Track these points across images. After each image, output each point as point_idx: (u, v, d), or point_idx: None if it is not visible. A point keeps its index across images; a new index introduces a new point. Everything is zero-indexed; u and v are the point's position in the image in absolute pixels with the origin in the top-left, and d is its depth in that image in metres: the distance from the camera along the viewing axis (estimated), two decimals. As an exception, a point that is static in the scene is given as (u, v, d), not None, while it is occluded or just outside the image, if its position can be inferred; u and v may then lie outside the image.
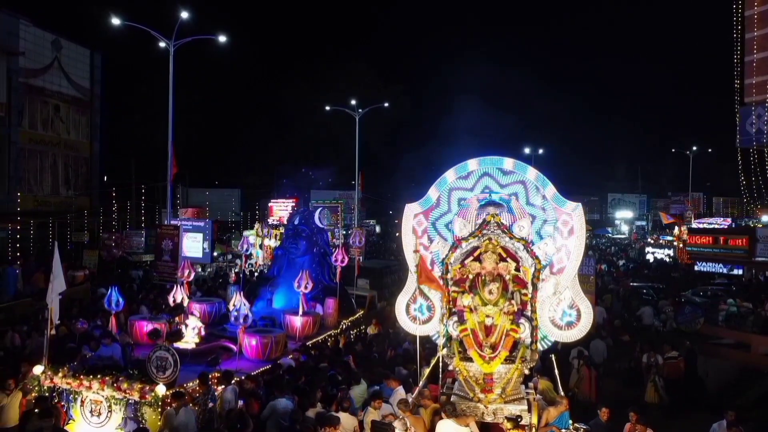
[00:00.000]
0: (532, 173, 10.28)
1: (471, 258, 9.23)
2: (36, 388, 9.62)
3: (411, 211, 10.63)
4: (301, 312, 13.12)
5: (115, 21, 17.01)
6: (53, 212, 32.61)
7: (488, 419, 8.70)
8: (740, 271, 19.83)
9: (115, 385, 9.18)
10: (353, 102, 33.61)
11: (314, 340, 13.30)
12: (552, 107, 53.00)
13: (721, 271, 20.65)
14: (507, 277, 9.07)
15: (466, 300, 9.00)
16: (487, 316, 8.94)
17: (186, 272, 13.48)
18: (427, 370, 11.38)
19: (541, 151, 42.25)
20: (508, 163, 10.36)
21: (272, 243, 27.70)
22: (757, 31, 16.89)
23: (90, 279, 19.06)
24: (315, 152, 48.33)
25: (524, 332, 8.95)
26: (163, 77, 42.54)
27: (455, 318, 9.05)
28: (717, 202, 68.98)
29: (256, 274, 25.42)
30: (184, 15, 16.63)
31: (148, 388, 9.00)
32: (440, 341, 9.53)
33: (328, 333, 14.04)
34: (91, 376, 9.36)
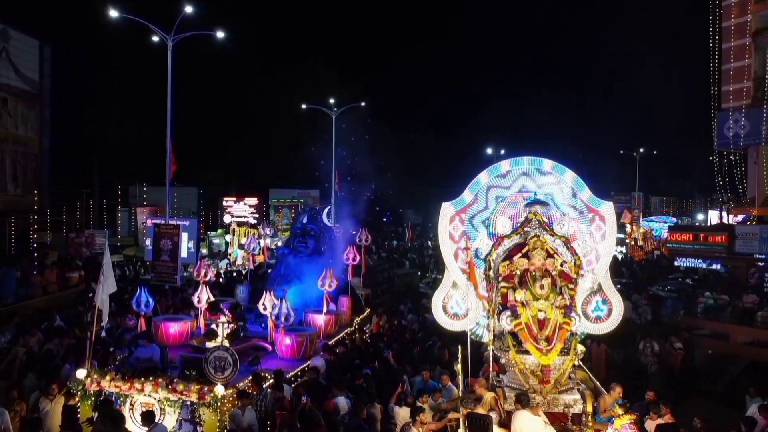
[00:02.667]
0: (569, 175, 10.76)
1: (519, 255, 9.59)
2: (80, 393, 9.30)
3: (447, 211, 10.94)
4: (325, 310, 13.14)
5: (113, 13, 16.38)
6: (1, 211, 30.95)
7: (543, 409, 9.09)
8: (718, 266, 21.23)
9: (170, 386, 8.99)
10: (330, 101, 33.53)
11: (335, 338, 13.35)
12: (506, 109, 54.40)
13: (701, 266, 22.05)
14: (554, 273, 9.48)
15: (519, 295, 9.34)
16: (540, 310, 9.30)
17: (203, 272, 13.21)
18: (459, 366, 11.73)
19: (503, 151, 43.37)
20: (547, 164, 10.80)
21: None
22: (733, 42, 18.10)
23: (86, 280, 18.30)
24: (276, 150, 47.64)
25: (576, 325, 9.43)
26: (123, 71, 41.18)
27: (508, 312, 9.36)
28: (654, 201, 72.93)
29: (234, 273, 25.02)
30: (188, 9, 16.19)
31: (206, 389, 8.88)
32: (489, 336, 9.87)
33: (345, 331, 14.12)
34: (143, 379, 9.13)
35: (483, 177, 10.88)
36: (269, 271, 20.46)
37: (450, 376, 11.17)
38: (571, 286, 9.51)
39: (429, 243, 43.41)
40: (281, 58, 50.88)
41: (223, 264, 26.07)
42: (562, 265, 9.48)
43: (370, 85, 48.16)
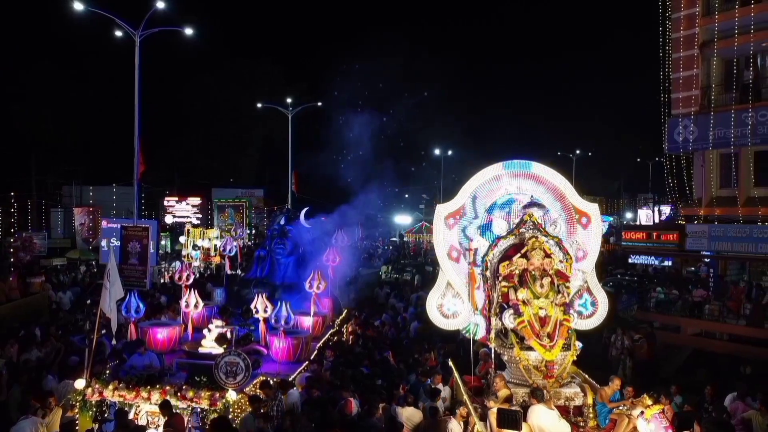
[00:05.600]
0: (555, 178, 11.25)
1: (519, 255, 9.97)
2: (79, 404, 8.93)
3: (442, 211, 11.22)
4: (312, 312, 13.07)
5: (78, 6, 15.61)
6: None
7: (546, 403, 9.47)
8: (669, 263, 22.62)
9: (179, 394, 8.77)
10: (283, 100, 33.09)
11: (322, 339, 13.32)
12: (453, 109, 55.24)
13: (654, 263, 23.42)
14: (550, 272, 9.91)
15: (521, 294, 9.70)
16: (540, 308, 9.71)
17: (185, 275, 12.91)
18: (452, 363, 12.03)
19: (450, 152, 44.20)
20: (533, 167, 11.26)
21: (205, 244, 26.63)
22: (683, 52, 19.31)
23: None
24: (219, 150, 46.47)
25: (574, 321, 9.92)
26: (57, 65, 38.99)
27: (511, 311, 9.70)
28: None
29: (195, 276, 24.29)
30: (161, 5, 15.65)
31: (218, 395, 8.72)
32: (492, 334, 10.18)
33: (330, 332, 14.10)
34: (149, 387, 8.87)
35: (475, 179, 11.19)
36: (228, 272, 20.06)
37: (444, 373, 11.41)
38: (568, 284, 9.99)
39: (379, 243, 43.66)
40: (225, 55, 49.60)
41: (177, 266, 25.23)
42: (558, 264, 9.97)
43: (319, 86, 47.85)
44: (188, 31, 17.50)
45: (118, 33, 16.76)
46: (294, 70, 54.69)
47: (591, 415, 9.37)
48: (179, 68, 46.79)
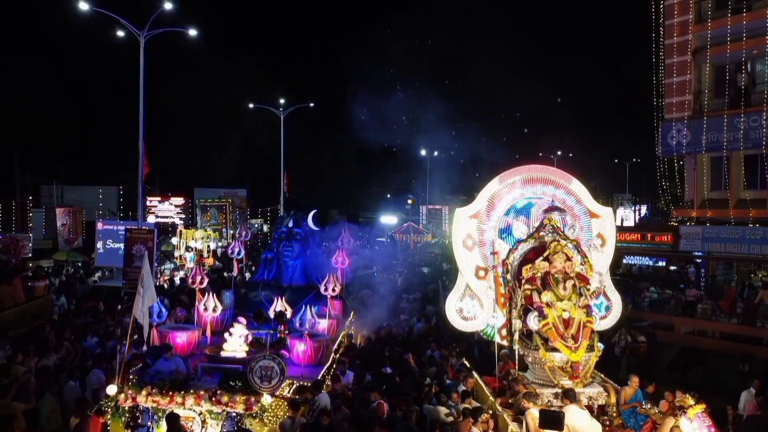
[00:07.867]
0: (572, 183, 11.55)
1: (541, 258, 10.21)
2: (111, 410, 8.86)
3: (461, 215, 11.42)
4: (328, 315, 13.13)
5: (83, 6, 15.33)
6: None
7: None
8: (663, 263, 23.20)
9: (213, 399, 8.78)
10: (277, 100, 33.00)
11: (336, 342, 13.37)
12: (437, 113, 55.59)
13: (648, 263, 24.00)
14: (572, 275, 10.16)
15: (545, 297, 9.93)
16: (564, 310, 9.95)
17: (198, 279, 12.84)
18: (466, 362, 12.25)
19: (436, 153, 44.52)
20: (549, 172, 11.54)
21: (198, 245, 26.39)
22: (676, 58, 19.85)
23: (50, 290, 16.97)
24: (200, 149, 45.96)
25: (597, 323, 10.20)
26: (32, 61, 38.14)
27: (535, 313, 9.92)
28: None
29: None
30: (168, 6, 15.49)
31: (254, 399, 8.75)
32: (516, 335, 10.39)
33: (342, 333, 14.16)
34: (183, 392, 8.85)
35: (493, 184, 11.41)
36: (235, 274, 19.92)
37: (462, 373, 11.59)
38: (588, 286, 10.26)
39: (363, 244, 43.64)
40: (207, 54, 49.07)
41: (169, 268, 25.00)
42: (579, 267, 10.24)
43: (301, 87, 47.68)
44: (192, 32, 17.36)
45: (120, 33, 16.53)
46: (276, 70, 54.39)
47: (615, 414, 9.65)
48: (161, 67, 46.18)
